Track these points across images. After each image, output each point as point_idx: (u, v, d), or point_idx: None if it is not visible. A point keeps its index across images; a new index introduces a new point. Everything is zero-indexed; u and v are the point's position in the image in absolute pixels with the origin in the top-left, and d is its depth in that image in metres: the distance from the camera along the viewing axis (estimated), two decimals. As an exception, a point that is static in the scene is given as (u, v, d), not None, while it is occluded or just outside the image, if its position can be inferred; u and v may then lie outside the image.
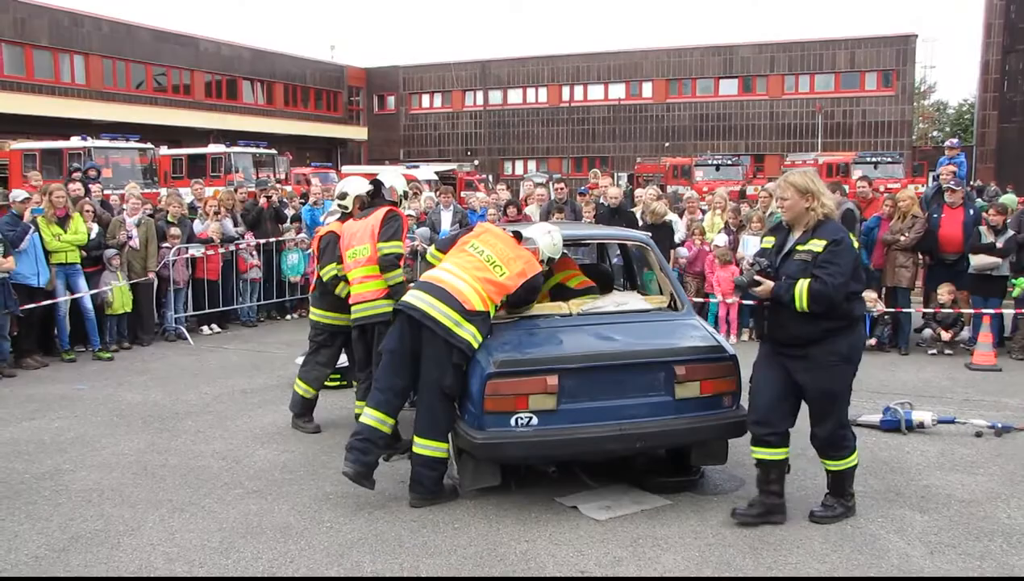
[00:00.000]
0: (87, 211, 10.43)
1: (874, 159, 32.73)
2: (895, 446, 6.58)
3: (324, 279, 6.87)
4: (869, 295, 10.18)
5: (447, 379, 5.20)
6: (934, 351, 10.04)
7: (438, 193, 14.54)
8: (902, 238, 10.01)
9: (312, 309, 7.27)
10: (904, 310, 10.21)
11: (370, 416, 5.41)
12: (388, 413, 5.44)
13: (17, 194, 10.37)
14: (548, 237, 5.99)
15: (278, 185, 18.00)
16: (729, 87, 47.21)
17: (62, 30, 36.10)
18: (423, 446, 5.30)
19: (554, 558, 4.67)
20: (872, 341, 10.11)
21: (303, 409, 7.08)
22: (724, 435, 5.52)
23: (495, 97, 52.41)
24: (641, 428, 5.19)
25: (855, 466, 5.17)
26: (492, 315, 5.41)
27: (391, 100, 55.43)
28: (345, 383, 8.08)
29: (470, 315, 5.23)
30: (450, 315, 5.21)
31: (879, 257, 10.36)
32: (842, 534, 4.96)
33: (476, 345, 5.21)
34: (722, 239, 11.16)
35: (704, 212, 12.38)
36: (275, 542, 4.88)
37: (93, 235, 10.26)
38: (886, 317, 10.17)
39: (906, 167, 34.52)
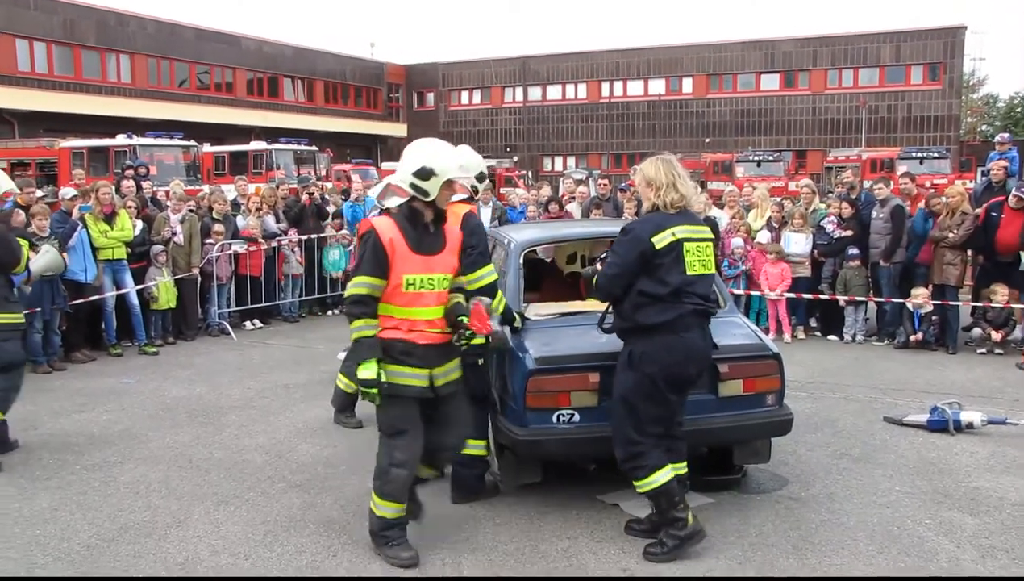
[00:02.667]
0: (130, 208, 10.60)
1: (920, 154, 32.21)
2: (943, 447, 6.48)
3: None
4: (918, 292, 10.04)
5: (468, 381, 4.99)
6: (983, 351, 9.86)
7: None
8: (950, 235, 9.83)
9: None
10: (951, 306, 10.03)
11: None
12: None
13: (66, 192, 10.60)
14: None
15: (319, 182, 18.16)
16: (770, 82, 46.81)
17: (109, 30, 36.76)
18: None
19: (596, 556, 4.66)
20: (918, 336, 9.96)
21: (345, 404, 7.12)
22: (767, 434, 5.46)
23: (534, 93, 52.44)
24: (685, 426, 5.13)
25: (660, 488, 4.53)
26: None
27: (430, 97, 55.69)
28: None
29: None
30: None
31: (926, 253, 10.19)
32: (889, 536, 4.89)
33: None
34: (765, 235, 11.06)
35: (747, 209, 12.26)
36: (318, 536, 4.93)
37: (138, 232, 10.43)
38: (933, 316, 10.00)
39: (953, 162, 33.94)
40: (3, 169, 6.66)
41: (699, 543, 4.62)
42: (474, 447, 5.29)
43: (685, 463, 4.87)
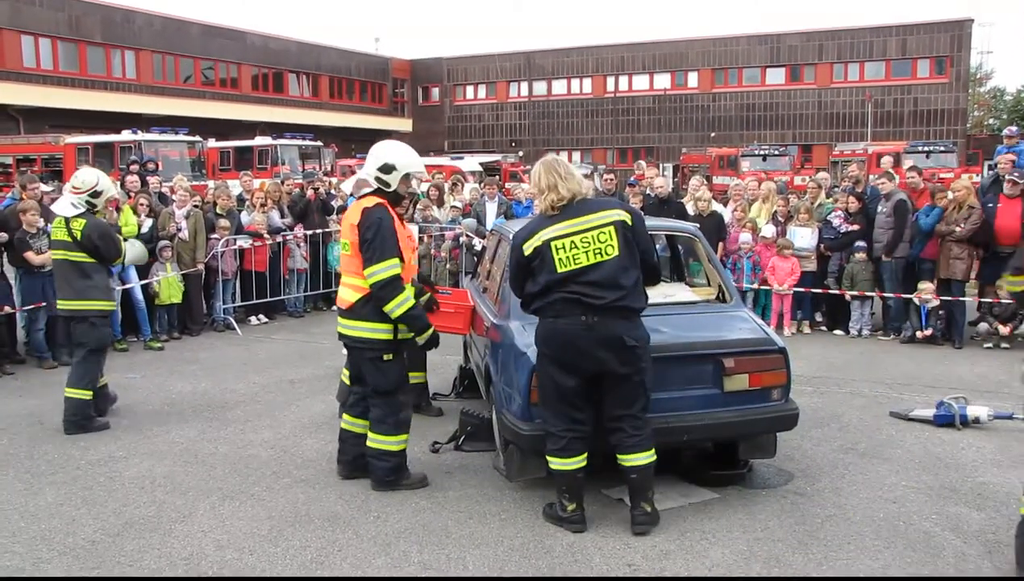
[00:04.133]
0: (142, 205, 10.61)
1: (926, 148, 32.02)
2: (949, 442, 6.45)
3: None
4: (924, 286, 10.00)
5: (369, 379, 5.43)
6: (989, 345, 9.83)
7: (483, 185, 14.54)
8: (957, 229, 9.79)
9: None
10: (958, 301, 9.99)
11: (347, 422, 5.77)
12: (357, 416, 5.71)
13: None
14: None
15: (324, 177, 18.15)
16: (776, 76, 46.67)
17: (114, 27, 36.81)
18: (374, 440, 5.50)
19: (601, 551, 4.65)
20: (926, 332, 9.93)
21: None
22: (773, 428, 5.45)
23: (539, 88, 52.38)
24: (688, 421, 5.16)
25: (557, 472, 4.92)
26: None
27: (435, 92, 55.65)
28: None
29: (351, 312, 5.36)
30: (343, 323, 5.45)
31: (932, 247, 10.15)
32: (895, 531, 4.88)
33: (374, 335, 5.30)
34: (770, 230, 11.03)
35: (751, 203, 12.23)
36: (323, 531, 4.93)
37: (146, 229, 10.43)
38: (940, 310, 9.97)
39: (960, 156, 33.80)
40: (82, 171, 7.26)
41: (573, 530, 4.86)
42: (385, 442, 5.45)
43: (582, 457, 4.87)
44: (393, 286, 5.15)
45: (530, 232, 4.81)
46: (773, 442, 5.56)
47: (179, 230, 10.85)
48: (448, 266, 12.21)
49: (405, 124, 52.16)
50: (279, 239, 12.09)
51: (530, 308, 4.93)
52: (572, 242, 4.68)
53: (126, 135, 25.20)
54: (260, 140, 30.67)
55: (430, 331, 5.34)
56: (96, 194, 7.02)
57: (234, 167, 28.26)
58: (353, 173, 28.24)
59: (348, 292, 5.37)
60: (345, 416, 5.74)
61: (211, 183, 18.43)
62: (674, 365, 5.14)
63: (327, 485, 5.64)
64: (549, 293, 4.75)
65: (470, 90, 54.90)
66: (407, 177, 5.38)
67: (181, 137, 26.12)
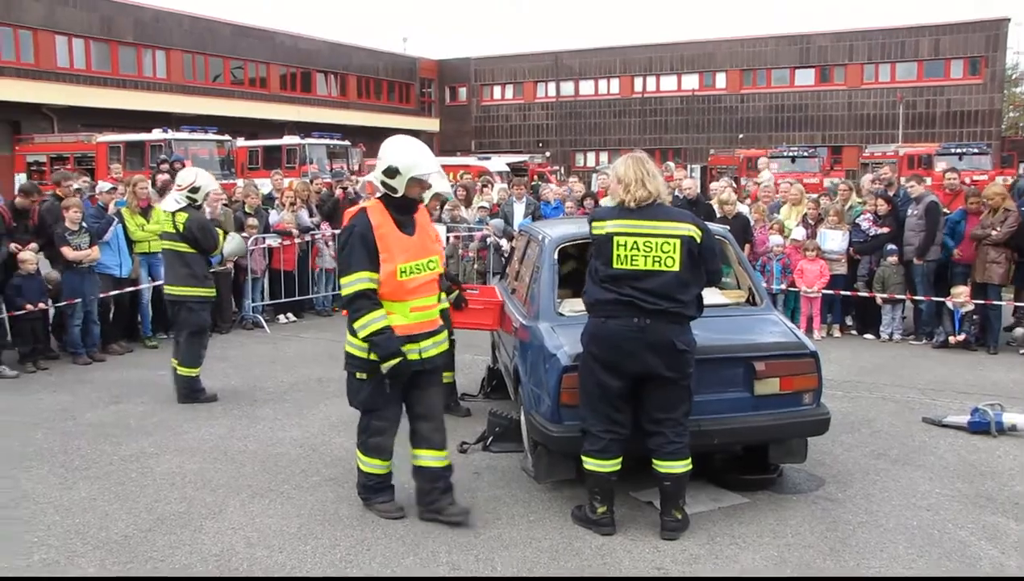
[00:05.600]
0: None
1: (959, 150, 31.63)
2: (985, 449, 6.37)
3: None
4: (959, 290, 9.88)
5: (351, 396, 5.12)
6: (1025, 350, 9.70)
7: (511, 185, 14.55)
8: (993, 233, 9.66)
9: None
10: (993, 305, 9.86)
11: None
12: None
13: (103, 186, 10.71)
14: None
15: (352, 176, 18.23)
16: (805, 77, 46.31)
17: (146, 27, 37.16)
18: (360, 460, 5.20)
19: (630, 554, 4.63)
20: (959, 337, 9.81)
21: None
22: (804, 433, 5.41)
23: (567, 88, 52.30)
24: (719, 424, 5.13)
25: (591, 473, 4.85)
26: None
27: (463, 92, 55.72)
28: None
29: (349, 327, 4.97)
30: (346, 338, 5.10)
31: (967, 251, 10.03)
32: (929, 539, 4.82)
33: (349, 348, 5.01)
34: (800, 232, 10.95)
35: (778, 207, 12.16)
36: (352, 529, 4.94)
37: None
38: (975, 315, 9.84)
39: (994, 158, 33.36)
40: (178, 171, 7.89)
41: (602, 533, 4.83)
42: (359, 457, 5.15)
43: (618, 460, 4.81)
44: (355, 303, 4.76)
45: (602, 216, 4.82)
46: (804, 447, 5.52)
47: (209, 228, 10.92)
48: (476, 266, 12.22)
49: (432, 124, 52.27)
50: (307, 238, 12.15)
51: (588, 296, 4.82)
52: (635, 242, 4.64)
53: (156, 134, 25.46)
54: (288, 139, 30.87)
55: (394, 361, 4.75)
56: (195, 190, 7.76)
57: (263, 166, 28.47)
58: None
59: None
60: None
61: (240, 182, 18.58)
62: (705, 368, 5.09)
63: (355, 484, 5.65)
64: (602, 289, 4.71)
65: (497, 90, 54.93)
66: (416, 181, 4.81)
67: (210, 136, 26.37)
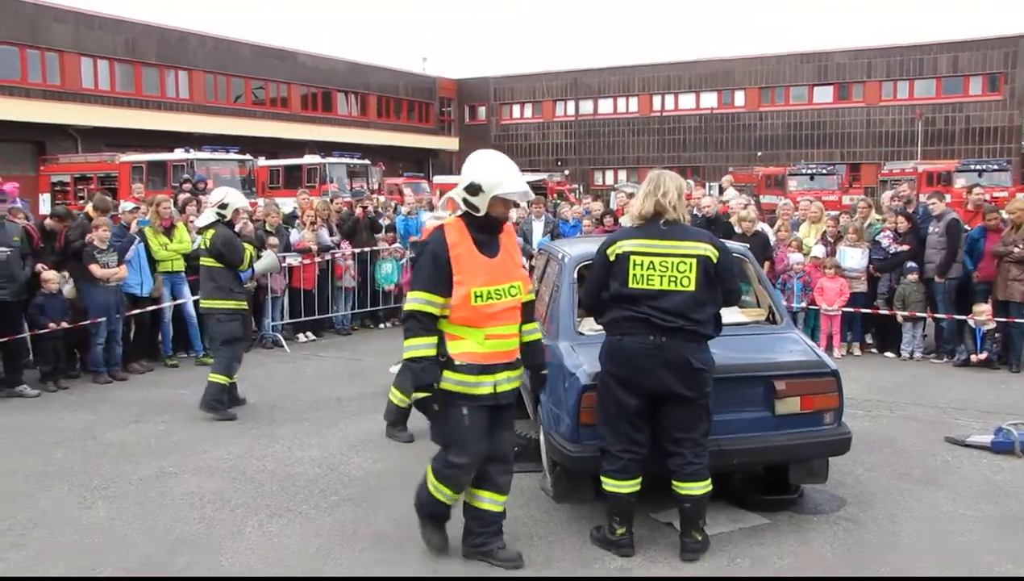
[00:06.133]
0: (191, 222, 10.76)
1: (978, 167, 31.36)
2: (1009, 469, 6.27)
3: None
4: (980, 308, 9.77)
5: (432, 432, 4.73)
6: (1048, 369, 9.56)
7: (530, 203, 14.55)
8: (1016, 249, 9.54)
9: None
10: (1016, 323, 9.73)
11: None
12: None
13: (125, 205, 10.83)
14: None
15: (372, 195, 18.29)
16: (824, 95, 46.20)
17: (169, 48, 37.53)
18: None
19: (650, 575, 4.57)
20: (981, 356, 9.69)
21: (398, 418, 7.13)
22: (825, 453, 5.36)
23: (586, 107, 52.40)
24: (738, 444, 5.08)
25: (611, 495, 4.81)
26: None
27: (482, 111, 55.95)
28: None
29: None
30: None
31: (988, 269, 9.92)
32: (953, 561, 4.73)
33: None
34: (820, 250, 10.88)
35: (797, 224, 12.10)
36: (371, 551, 4.91)
37: (196, 245, 10.57)
38: (996, 333, 9.72)
39: (1015, 174, 33.06)
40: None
41: (621, 554, 4.77)
42: (429, 478, 4.75)
43: (637, 480, 4.77)
44: (407, 322, 4.46)
45: (614, 239, 4.83)
46: (825, 467, 5.46)
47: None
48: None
49: (452, 143, 52.46)
50: (327, 257, 12.19)
51: (601, 318, 4.88)
52: (651, 262, 4.64)
53: (178, 154, 25.64)
54: (309, 158, 30.99)
55: (422, 394, 4.40)
56: (224, 206, 7.98)
57: (283, 185, 28.60)
58: (400, 192, 28.51)
59: None
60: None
61: (261, 201, 18.68)
62: (725, 387, 5.04)
63: (374, 504, 5.64)
64: (619, 308, 4.71)
65: (516, 109, 55.12)
66: (500, 200, 4.46)
67: (232, 156, 26.51)
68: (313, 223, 12.20)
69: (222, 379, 7.93)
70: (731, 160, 46.18)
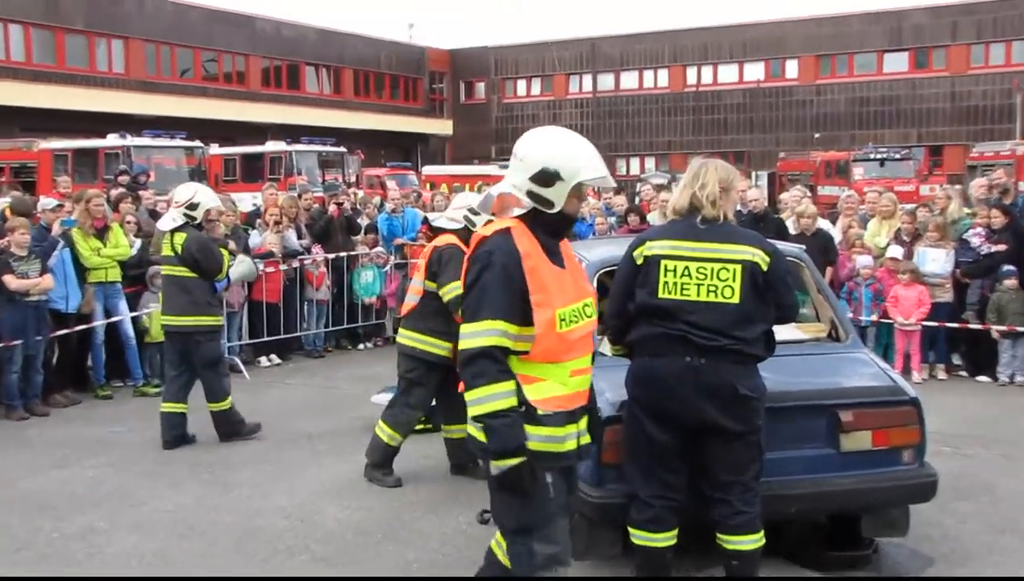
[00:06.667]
0: (128, 223, 10.77)
1: (1096, 147, 31.24)
2: None
3: (447, 299, 6.85)
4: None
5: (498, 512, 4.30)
6: None
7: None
8: None
9: (404, 332, 7.22)
10: None
11: None
12: None
13: (46, 202, 10.79)
14: None
15: (349, 189, 18.33)
16: (897, 62, 46.19)
17: (100, 11, 37.56)
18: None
19: (690, 650, 4.55)
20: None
21: (384, 458, 7.14)
22: (904, 499, 5.33)
23: (605, 82, 52.56)
24: (796, 488, 5.08)
25: (641, 548, 4.84)
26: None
27: (480, 87, 56.13)
28: (431, 427, 8.12)
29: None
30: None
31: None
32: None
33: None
34: (898, 251, 10.85)
35: (865, 221, 12.10)
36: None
37: (135, 250, 10.60)
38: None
39: None
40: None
41: None
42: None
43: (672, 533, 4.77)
44: (477, 365, 3.84)
45: (643, 239, 4.84)
46: (905, 517, 5.42)
47: (176, 253, 10.98)
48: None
49: (444, 126, 52.66)
50: (295, 264, 12.19)
51: (624, 337, 4.87)
52: (686, 267, 4.63)
53: (112, 140, 25.69)
54: (272, 145, 31.12)
55: (513, 461, 3.79)
56: (193, 207, 8.15)
57: (241, 178, 28.73)
58: (382, 185, 28.57)
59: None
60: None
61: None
62: (779, 419, 5.02)
63: (352, 563, 5.62)
64: (647, 323, 4.71)
65: (522, 85, 55.29)
66: (580, 189, 4.03)
67: (178, 142, 26.60)
68: (278, 223, 12.19)
69: (224, 404, 8.33)
70: (782, 144, 46.23)
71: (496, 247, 3.89)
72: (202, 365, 8.23)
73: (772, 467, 4.97)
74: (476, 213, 7.07)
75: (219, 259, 8.30)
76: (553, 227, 4.02)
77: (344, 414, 9.28)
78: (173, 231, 8.12)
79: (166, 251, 8.21)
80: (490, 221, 4.22)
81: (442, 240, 7.11)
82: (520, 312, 3.85)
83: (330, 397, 10.22)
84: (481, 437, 3.87)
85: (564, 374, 3.95)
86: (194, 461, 7.84)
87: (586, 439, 4.08)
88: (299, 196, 13.85)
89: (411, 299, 7.25)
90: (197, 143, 27.30)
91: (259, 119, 40.21)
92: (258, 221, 12.77)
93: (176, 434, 8.25)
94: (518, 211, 4.00)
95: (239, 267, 9.09)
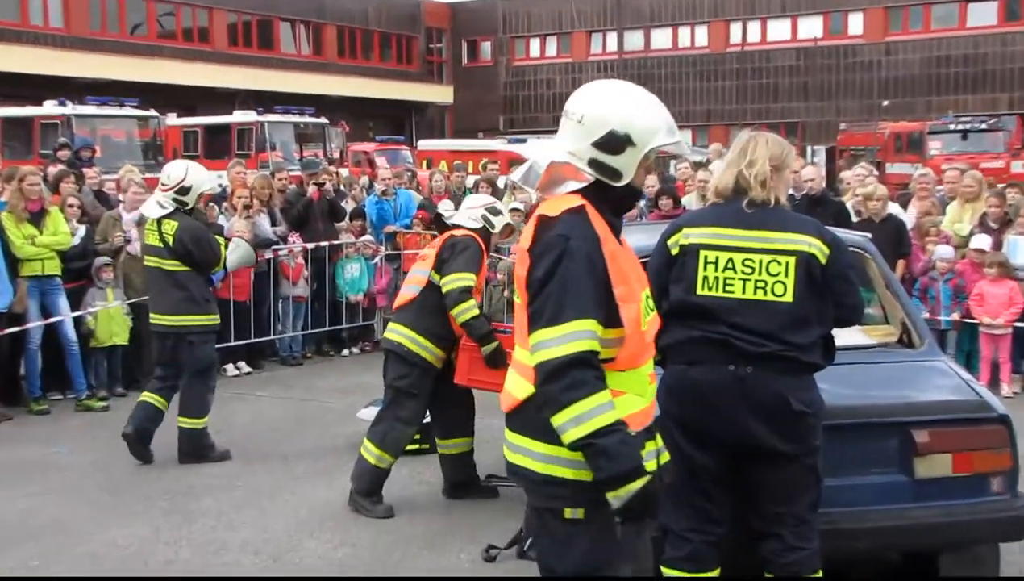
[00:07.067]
0: (70, 206, 10.75)
1: None
2: None
3: (447, 289, 6.89)
4: None
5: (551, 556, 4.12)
6: None
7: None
8: None
9: (396, 328, 7.22)
10: None
11: None
12: None
13: (-34, 182, 10.78)
14: None
15: (331, 167, 18.32)
16: (983, 14, 45.90)
17: (34, -45, 37.53)
18: None
19: None
20: None
21: (372, 484, 7.12)
22: (992, 536, 5.32)
23: (633, 40, 52.51)
24: (863, 522, 5.07)
25: None
26: None
27: (486, 48, 56.13)
28: (427, 446, 8.07)
29: (516, 418, 4.06)
30: (507, 437, 4.16)
31: None
32: None
33: (547, 469, 3.87)
34: (984, 241, 10.80)
35: (945, 203, 12.08)
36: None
37: (78, 239, 10.58)
38: None
39: None
40: None
41: None
42: None
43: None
44: (570, 375, 3.54)
45: (679, 225, 4.82)
46: (994, 556, 5.41)
47: (128, 242, 10.96)
48: (506, 293, 12.17)
49: (444, 93, 52.66)
50: (268, 255, 12.18)
51: (655, 341, 4.79)
52: (730, 260, 4.60)
53: (50, 108, 25.70)
54: (240, 116, 31.11)
55: (638, 484, 3.53)
56: (184, 190, 8.25)
57: (204, 153, 28.71)
58: (371, 163, 28.55)
59: (515, 380, 3.90)
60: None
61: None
62: (841, 439, 5.02)
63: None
64: (684, 325, 4.68)
65: (535, 45, 55.26)
66: (651, 157, 3.81)
67: (128, 111, 26.60)
68: (248, 208, 12.18)
69: (199, 423, 8.43)
70: (843, 113, 46.10)
71: (571, 230, 3.64)
72: (193, 370, 8.36)
73: (834, 496, 4.96)
74: (496, 213, 7.16)
75: (216, 249, 8.47)
76: (619, 204, 3.86)
77: (326, 432, 9.29)
78: (161, 218, 8.19)
79: (151, 241, 8.30)
80: (516, 210, 4.17)
81: (460, 231, 7.15)
82: (603, 309, 3.63)
83: (309, 412, 10.23)
84: (572, 475, 3.62)
85: (643, 382, 3.82)
86: (149, 486, 7.84)
87: (665, 457, 3.95)
88: (272, 175, 13.86)
89: (409, 290, 7.27)
90: (151, 112, 27.33)
91: (225, 84, 40.20)
92: (224, 205, 12.75)
93: (143, 427, 8.38)
94: (573, 185, 3.74)
95: (235, 253, 9.13)
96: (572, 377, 3.50)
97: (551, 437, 3.60)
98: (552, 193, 3.78)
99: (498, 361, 6.73)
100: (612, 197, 3.75)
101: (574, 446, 3.52)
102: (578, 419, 3.48)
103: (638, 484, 3.50)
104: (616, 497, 3.52)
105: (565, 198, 3.73)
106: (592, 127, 3.69)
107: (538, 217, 3.75)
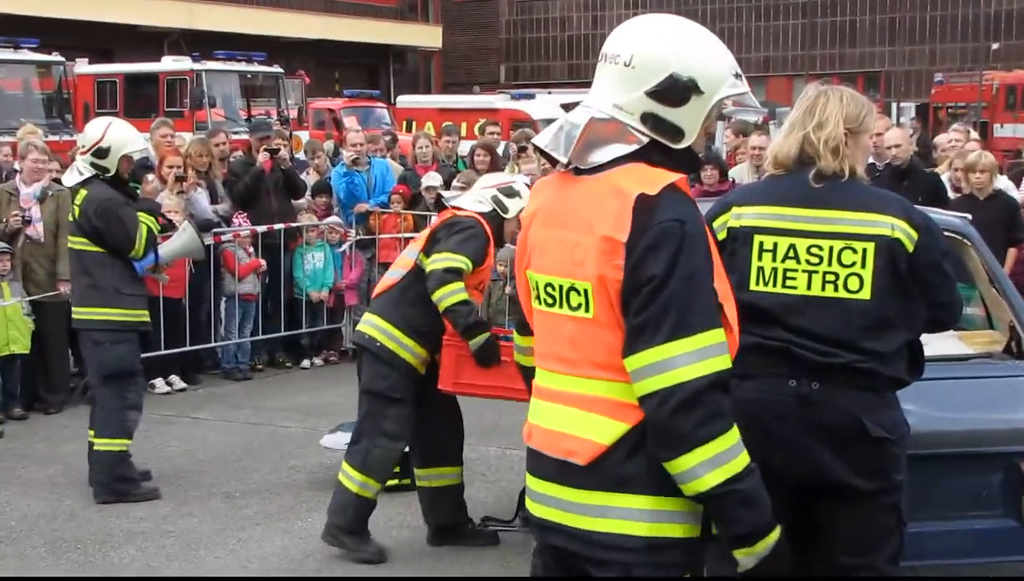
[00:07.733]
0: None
1: None
2: None
3: (429, 269, 6.91)
4: None
5: None
6: None
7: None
8: None
9: (372, 318, 7.24)
10: None
11: None
12: None
13: None
14: None
15: (287, 130, 18.34)
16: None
17: None
18: None
19: None
20: None
21: (357, 519, 7.11)
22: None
23: (670, -32, 52.57)
24: (962, 573, 5.17)
25: None
26: None
27: (484, -26, 56.17)
28: (407, 481, 8.07)
29: (592, 474, 3.77)
30: (562, 497, 4.22)
31: None
32: None
33: (679, 527, 4.27)
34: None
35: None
36: None
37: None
38: None
39: None
40: None
41: None
42: None
43: None
44: (708, 403, 3.38)
45: (727, 202, 4.84)
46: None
47: (28, 223, 10.98)
48: (508, 289, 12.20)
49: (431, 35, 52.62)
50: (208, 241, 12.19)
51: None
52: (791, 246, 4.58)
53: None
54: (171, 63, 31.04)
55: (773, 538, 3.49)
56: (102, 153, 8.25)
57: (125, 110, 28.66)
58: (337, 124, 28.53)
59: (585, 420, 3.58)
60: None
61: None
62: (932, 473, 5.08)
63: None
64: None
65: (547, -29, 55.36)
66: (712, 112, 3.63)
67: (25, 55, 26.46)
68: (180, 180, 12.20)
69: (117, 444, 8.36)
70: (939, 60, 46.10)
71: (684, 214, 3.45)
72: (98, 378, 8.42)
73: (920, 545, 5.02)
74: (512, 194, 7.17)
75: (128, 228, 8.28)
76: (683, 172, 3.58)
77: (281, 464, 9.32)
78: (76, 188, 8.32)
79: (71, 216, 8.49)
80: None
81: (464, 212, 7.20)
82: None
83: (260, 437, 10.24)
84: (682, 532, 3.49)
85: None
86: (55, 533, 7.85)
87: None
88: (211, 139, 13.86)
89: (393, 274, 7.33)
90: (55, 56, 27.21)
91: (151, 22, 40.09)
92: (150, 176, 12.75)
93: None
94: (619, 149, 3.51)
95: (176, 241, 9.17)
96: (710, 406, 3.36)
97: (656, 487, 3.45)
98: (588, 160, 3.53)
99: (490, 358, 6.78)
100: (676, 162, 3.54)
101: (705, 496, 3.37)
102: (716, 461, 3.35)
103: (774, 537, 3.46)
104: (751, 555, 3.46)
105: (643, 169, 3.49)
106: (646, 71, 3.50)
107: (639, 196, 3.41)
